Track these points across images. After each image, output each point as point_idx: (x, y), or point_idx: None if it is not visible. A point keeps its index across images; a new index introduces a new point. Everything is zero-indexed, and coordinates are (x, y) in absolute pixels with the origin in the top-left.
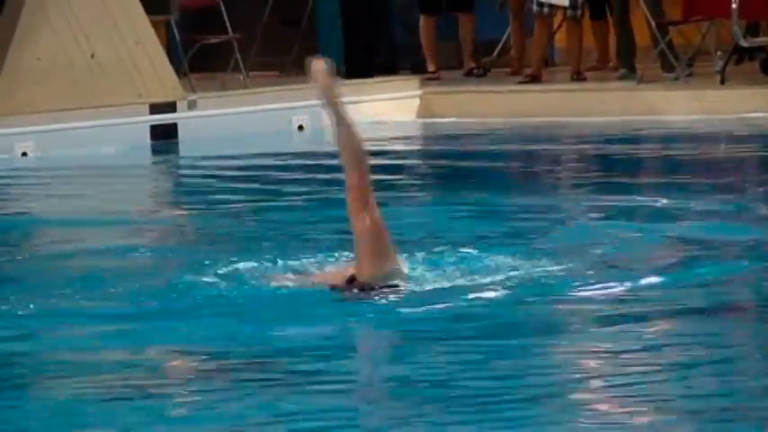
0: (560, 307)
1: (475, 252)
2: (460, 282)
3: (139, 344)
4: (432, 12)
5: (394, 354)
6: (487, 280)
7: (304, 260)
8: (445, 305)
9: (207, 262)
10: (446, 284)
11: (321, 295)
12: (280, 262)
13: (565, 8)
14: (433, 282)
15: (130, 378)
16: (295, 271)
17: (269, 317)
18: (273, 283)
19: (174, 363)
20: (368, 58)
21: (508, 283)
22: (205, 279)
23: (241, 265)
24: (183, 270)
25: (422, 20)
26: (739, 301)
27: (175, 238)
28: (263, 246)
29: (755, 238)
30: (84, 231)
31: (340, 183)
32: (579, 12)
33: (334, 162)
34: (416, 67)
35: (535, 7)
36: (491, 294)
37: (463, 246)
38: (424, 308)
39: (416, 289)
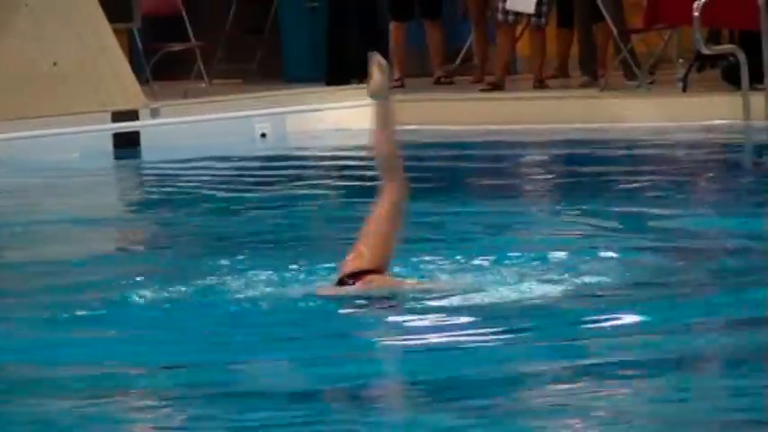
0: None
1: (436, 260)
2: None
3: (100, 354)
4: (403, 18)
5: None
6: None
7: (277, 266)
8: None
9: (173, 268)
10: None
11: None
12: (251, 269)
13: (529, 16)
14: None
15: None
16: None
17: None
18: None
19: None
20: (350, 66)
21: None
22: (174, 287)
23: (212, 272)
24: (149, 278)
25: (392, 26)
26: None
27: (138, 245)
28: (232, 252)
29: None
30: (46, 239)
31: (305, 189)
32: (543, 20)
33: (299, 169)
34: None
35: (500, 16)
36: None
37: (423, 253)
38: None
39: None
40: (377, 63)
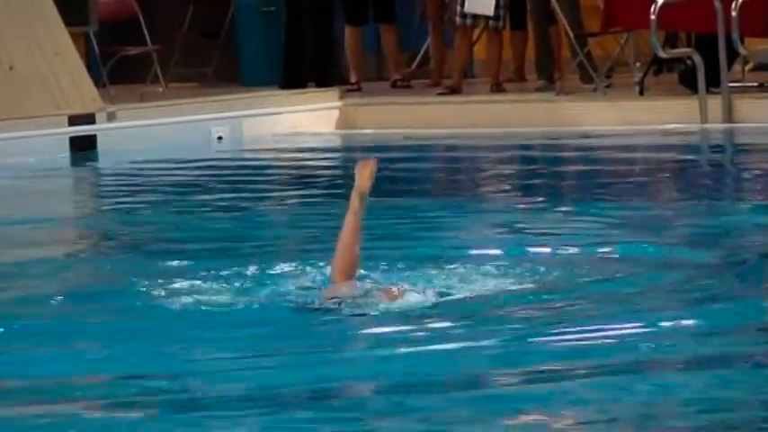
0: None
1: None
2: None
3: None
4: (359, 23)
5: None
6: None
7: (235, 270)
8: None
9: (129, 272)
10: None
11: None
12: (209, 272)
13: (487, 19)
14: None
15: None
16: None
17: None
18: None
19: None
20: (305, 70)
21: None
22: (130, 291)
23: (169, 276)
24: (105, 282)
25: (347, 31)
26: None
27: (94, 249)
28: (190, 255)
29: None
30: (0, 243)
31: (261, 192)
32: (501, 23)
33: (255, 172)
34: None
35: (458, 19)
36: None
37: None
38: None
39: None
40: (369, 166)
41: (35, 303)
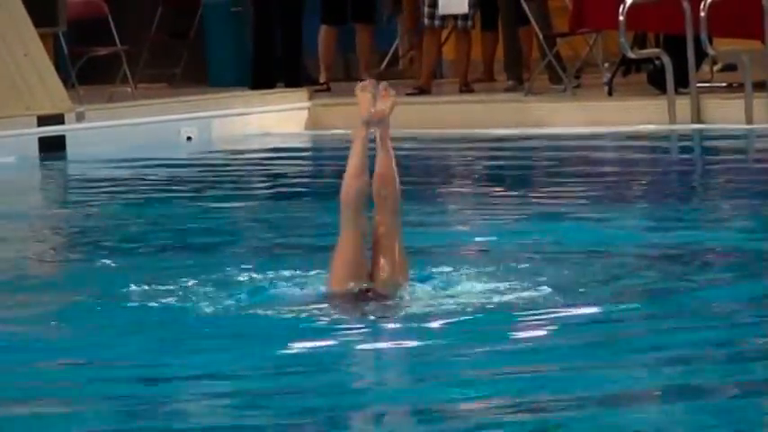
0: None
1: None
2: None
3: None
4: (335, 22)
5: None
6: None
7: (205, 271)
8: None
9: (98, 272)
10: None
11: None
12: (180, 274)
13: (456, 20)
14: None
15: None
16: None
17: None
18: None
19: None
20: (275, 70)
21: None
22: (97, 294)
23: (139, 278)
24: (71, 284)
25: (323, 30)
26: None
27: (62, 250)
28: (160, 257)
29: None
30: None
31: (231, 192)
32: (470, 23)
33: (224, 173)
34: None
35: (427, 20)
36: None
37: None
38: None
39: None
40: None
41: None
